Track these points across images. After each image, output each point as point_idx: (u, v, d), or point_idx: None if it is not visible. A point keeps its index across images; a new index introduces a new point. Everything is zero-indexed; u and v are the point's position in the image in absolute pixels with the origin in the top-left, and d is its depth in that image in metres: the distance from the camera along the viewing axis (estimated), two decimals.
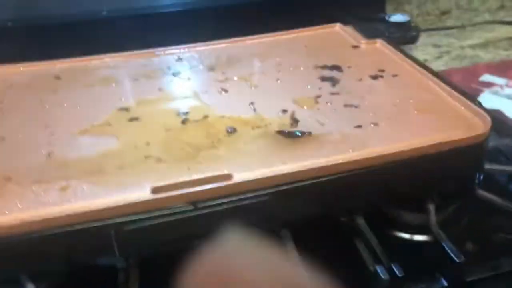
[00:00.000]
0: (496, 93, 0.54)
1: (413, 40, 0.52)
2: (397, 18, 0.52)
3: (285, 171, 0.30)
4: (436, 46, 0.71)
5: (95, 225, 0.28)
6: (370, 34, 0.51)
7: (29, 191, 0.30)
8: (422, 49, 0.69)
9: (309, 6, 0.64)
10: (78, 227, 0.28)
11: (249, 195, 0.30)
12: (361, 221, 0.35)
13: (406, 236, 0.37)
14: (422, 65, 0.45)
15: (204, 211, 0.30)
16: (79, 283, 0.32)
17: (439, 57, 0.69)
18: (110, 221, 0.28)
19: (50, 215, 0.27)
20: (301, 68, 0.46)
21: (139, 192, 0.29)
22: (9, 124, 0.38)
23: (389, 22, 0.52)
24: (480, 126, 0.34)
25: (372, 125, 0.36)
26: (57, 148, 0.35)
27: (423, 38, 0.69)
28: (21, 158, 0.33)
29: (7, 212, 0.28)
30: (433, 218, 0.35)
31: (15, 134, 0.36)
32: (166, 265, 0.33)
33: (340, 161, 0.31)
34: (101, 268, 0.31)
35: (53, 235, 0.28)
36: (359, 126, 0.36)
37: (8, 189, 0.30)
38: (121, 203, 0.28)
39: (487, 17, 0.84)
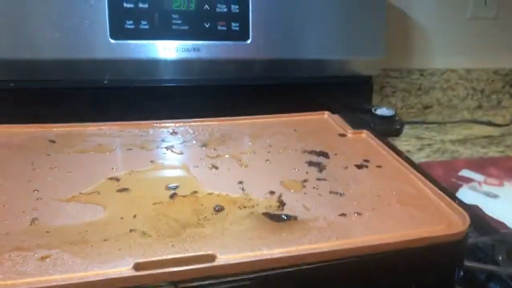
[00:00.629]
0: (474, 188, 0.56)
1: (397, 133, 0.55)
2: (383, 111, 0.56)
3: (269, 257, 0.31)
4: (419, 138, 0.75)
5: None
6: (356, 124, 0.54)
7: (8, 259, 0.29)
8: (405, 140, 0.73)
9: (301, 93, 0.68)
10: None
11: (231, 278, 0.30)
12: None
13: None
14: (406, 159, 0.47)
15: None
16: None
17: (421, 149, 0.72)
18: None
19: (27, 286, 0.27)
20: (290, 151, 0.48)
21: (121, 267, 0.29)
22: None
23: (375, 114, 0.55)
24: (459, 224, 0.36)
25: (356, 214, 0.37)
26: (41, 214, 0.34)
27: (406, 130, 0.73)
28: (5, 222, 0.33)
29: None
30: None
31: (1, 196, 0.36)
32: None
33: (325, 249, 0.32)
34: None
35: None
36: (344, 215, 0.37)
37: None
38: (102, 277, 0.28)
39: (465, 115, 0.89)
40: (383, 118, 0.56)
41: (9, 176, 0.39)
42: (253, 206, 0.37)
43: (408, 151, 0.72)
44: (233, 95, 0.66)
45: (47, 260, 0.29)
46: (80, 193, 0.38)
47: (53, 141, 0.47)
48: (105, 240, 0.32)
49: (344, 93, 0.72)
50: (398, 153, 0.48)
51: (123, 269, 0.29)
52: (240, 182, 0.41)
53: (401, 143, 0.71)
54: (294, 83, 0.69)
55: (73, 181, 0.39)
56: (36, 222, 0.33)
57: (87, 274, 0.28)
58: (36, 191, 0.37)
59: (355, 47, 0.71)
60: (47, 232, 0.32)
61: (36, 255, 0.30)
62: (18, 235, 0.32)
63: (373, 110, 0.56)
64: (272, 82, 0.68)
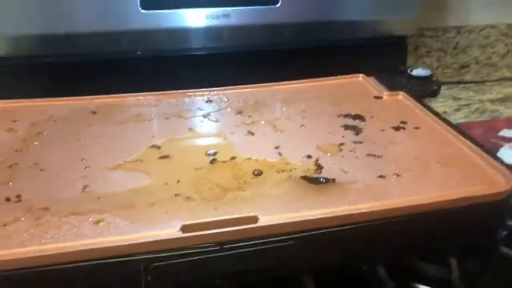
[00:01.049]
0: None
1: (434, 94, 0.54)
2: (419, 72, 0.54)
3: (310, 217, 0.31)
4: (456, 98, 0.73)
5: (126, 259, 0.29)
6: (392, 86, 0.53)
7: (65, 222, 0.31)
8: (442, 101, 0.71)
9: (333, 56, 0.67)
10: (110, 260, 0.29)
11: (273, 238, 0.31)
12: (382, 271, 0.36)
13: None
14: (444, 119, 0.46)
15: (230, 252, 0.31)
16: None
17: (458, 110, 0.70)
18: (141, 256, 0.29)
19: (85, 247, 0.29)
20: (325, 116, 0.48)
21: (169, 230, 0.31)
22: (48, 155, 0.40)
23: (411, 75, 0.54)
24: (502, 183, 0.35)
25: (394, 176, 0.37)
26: (91, 181, 0.36)
27: (442, 90, 0.71)
28: (58, 189, 0.35)
29: (44, 242, 0.29)
30: (455, 272, 0.35)
31: (53, 165, 0.38)
32: None
33: (364, 210, 0.32)
34: None
35: (86, 267, 0.29)
36: (382, 176, 0.37)
37: (46, 219, 0.32)
38: (152, 240, 0.30)
39: (505, 73, 0.86)
40: (419, 78, 0.54)
41: (57, 147, 0.41)
42: (290, 170, 0.38)
43: (445, 112, 0.70)
44: (264, 61, 0.65)
45: (101, 224, 0.31)
46: (125, 161, 0.39)
47: (94, 112, 0.49)
48: (152, 204, 0.33)
49: (377, 55, 0.70)
50: (436, 114, 0.47)
51: (171, 231, 0.31)
52: (277, 147, 0.42)
53: (438, 104, 0.69)
54: (325, 46, 0.67)
55: (117, 150, 0.41)
56: (87, 189, 0.35)
57: (139, 236, 0.30)
58: (83, 160, 0.39)
59: (388, 7, 0.68)
60: (98, 198, 0.34)
61: (90, 219, 0.32)
62: (72, 201, 0.34)
63: (408, 71, 0.55)
64: (304, 46, 0.67)
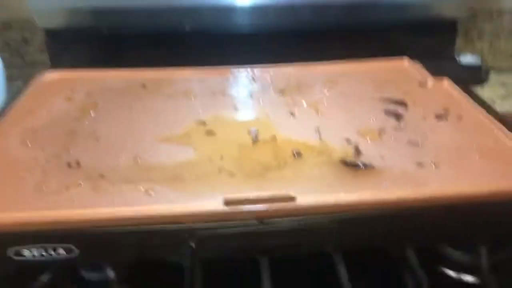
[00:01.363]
0: None
1: (481, 82, 0.53)
2: (467, 59, 0.53)
3: (347, 201, 0.33)
4: (504, 85, 0.70)
5: (173, 227, 0.32)
6: (438, 72, 0.53)
7: (119, 189, 0.34)
8: (490, 87, 0.69)
9: (379, 38, 0.66)
10: (160, 227, 0.32)
11: (310, 218, 0.33)
12: (411, 255, 0.37)
13: (454, 275, 0.38)
14: (489, 109, 0.45)
15: (268, 227, 0.33)
16: (148, 275, 0.36)
17: (506, 97, 0.68)
18: (187, 226, 0.32)
19: (138, 213, 0.32)
20: (367, 99, 0.48)
21: (212, 202, 0.33)
22: (103, 125, 0.43)
23: (458, 62, 0.53)
24: None
25: (433, 165, 0.37)
26: (142, 152, 0.39)
27: (492, 76, 0.69)
28: (112, 158, 0.38)
29: (102, 207, 0.33)
30: (484, 261, 0.36)
31: (107, 135, 0.41)
32: (228, 270, 0.36)
33: (400, 197, 0.33)
34: (170, 264, 0.35)
35: (138, 231, 0.32)
36: (420, 165, 0.37)
37: (101, 185, 0.35)
38: (197, 211, 0.32)
39: None
40: (467, 66, 0.53)
41: (111, 118, 0.44)
42: (330, 153, 0.39)
43: (492, 99, 0.68)
44: (310, 42, 0.66)
45: (151, 192, 0.34)
46: (173, 134, 0.42)
47: (144, 86, 0.51)
48: (198, 178, 0.36)
49: (426, 38, 0.68)
50: (481, 103, 0.47)
51: (215, 203, 0.33)
52: (317, 130, 0.43)
53: (485, 90, 0.67)
54: (373, 28, 0.66)
55: (166, 123, 0.44)
56: (138, 160, 0.38)
57: (185, 206, 0.32)
58: (135, 132, 0.42)
59: None
60: (148, 168, 0.37)
61: (141, 188, 0.34)
62: (125, 170, 0.37)
63: (456, 57, 0.53)
64: (350, 28, 0.66)
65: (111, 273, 0.35)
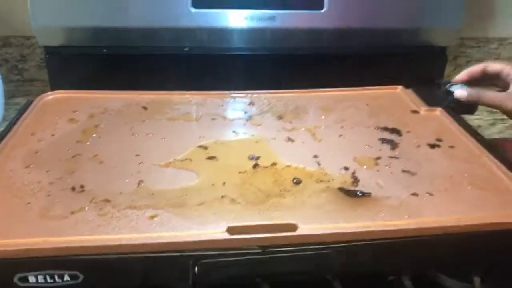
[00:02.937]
0: None
1: (471, 111, 0.55)
2: (458, 88, 0.55)
3: (347, 230, 0.34)
4: (491, 112, 0.73)
5: (177, 254, 0.33)
6: (430, 101, 0.55)
7: (124, 215, 0.35)
8: (477, 113, 0.71)
9: (372, 63, 0.68)
10: (163, 254, 0.32)
11: (311, 246, 0.34)
12: (407, 282, 0.38)
13: None
14: (480, 139, 0.47)
15: (271, 255, 0.34)
16: None
17: (493, 124, 0.71)
18: (190, 253, 0.33)
19: (142, 241, 0.32)
20: (363, 127, 0.50)
21: (216, 230, 0.34)
22: (106, 148, 0.44)
23: (450, 92, 0.55)
24: None
25: (427, 194, 0.39)
26: (145, 177, 0.40)
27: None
28: (117, 182, 0.39)
29: (106, 232, 0.33)
30: None
31: (110, 158, 0.42)
32: None
33: (398, 227, 0.35)
34: None
35: (141, 258, 0.32)
36: (416, 194, 0.39)
37: (107, 210, 0.35)
38: (201, 239, 0.33)
39: None
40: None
41: (114, 140, 0.45)
42: (328, 181, 0.40)
43: (480, 126, 0.70)
44: (304, 65, 0.68)
45: (155, 219, 0.35)
46: (175, 159, 0.43)
47: (145, 108, 0.52)
48: (201, 204, 0.37)
49: (416, 64, 0.71)
50: (472, 132, 0.48)
51: (219, 231, 0.34)
52: (315, 156, 0.44)
53: (472, 117, 0.69)
54: (365, 53, 0.69)
55: (168, 147, 0.44)
56: (142, 185, 0.39)
57: (189, 234, 0.33)
58: (137, 156, 0.43)
59: (432, 15, 0.69)
60: (152, 194, 0.38)
61: (146, 214, 0.35)
62: (130, 195, 0.37)
63: (447, 88, 0.55)
64: (344, 52, 0.68)
65: None
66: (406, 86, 0.59)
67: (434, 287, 0.39)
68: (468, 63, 0.85)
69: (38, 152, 0.42)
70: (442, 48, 0.72)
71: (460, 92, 0.54)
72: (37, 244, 0.31)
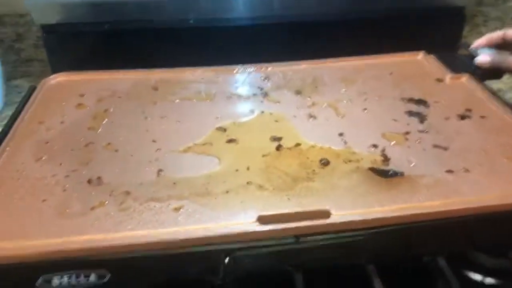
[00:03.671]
0: None
1: (499, 76, 0.52)
2: (485, 52, 0.52)
3: (383, 215, 0.32)
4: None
5: (208, 248, 0.31)
6: (454, 67, 0.52)
7: (147, 208, 0.33)
8: None
9: (388, 28, 0.64)
10: (195, 249, 0.31)
11: (345, 234, 0.32)
12: (443, 263, 0.37)
13: (486, 279, 0.38)
14: (510, 106, 0.45)
15: (304, 244, 0.32)
16: None
17: None
18: (221, 246, 0.31)
19: (169, 236, 0.30)
20: (387, 99, 0.47)
21: (246, 219, 0.32)
22: (119, 135, 0.41)
23: (474, 56, 0.52)
24: None
25: (463, 170, 0.37)
26: (165, 165, 0.38)
27: None
28: (135, 172, 0.37)
29: (130, 228, 0.31)
30: None
31: (125, 146, 0.40)
32: (262, 286, 0.36)
33: (436, 209, 0.33)
34: (202, 283, 0.34)
35: (169, 254, 0.31)
36: (451, 171, 0.37)
37: (128, 204, 0.33)
38: (233, 231, 0.31)
39: None
40: None
41: (126, 126, 0.43)
42: (358, 160, 0.38)
43: (500, 90, 0.68)
44: (317, 33, 0.64)
45: (181, 210, 0.33)
46: (194, 144, 0.40)
47: (156, 88, 0.49)
48: (227, 192, 0.35)
49: (433, 26, 0.68)
50: (502, 101, 0.46)
51: (249, 221, 0.32)
52: (341, 134, 0.42)
53: (494, 81, 0.67)
54: (380, 18, 0.65)
55: (184, 130, 0.42)
56: (162, 173, 0.37)
57: (219, 226, 0.31)
58: (154, 142, 0.40)
59: None
60: (174, 183, 0.36)
61: (170, 206, 0.33)
62: (150, 186, 0.35)
63: (472, 52, 0.52)
64: (357, 18, 0.65)
65: None
66: (428, 51, 0.56)
67: (469, 264, 0.38)
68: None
69: (48, 142, 0.40)
70: (459, 8, 0.68)
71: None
72: (60, 245, 0.30)
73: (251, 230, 0.31)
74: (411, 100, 0.47)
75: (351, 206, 0.33)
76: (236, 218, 0.32)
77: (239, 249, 0.31)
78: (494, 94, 0.47)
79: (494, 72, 0.52)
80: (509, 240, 0.36)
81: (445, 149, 0.40)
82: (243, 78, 0.52)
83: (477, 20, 0.80)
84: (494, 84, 0.67)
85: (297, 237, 0.32)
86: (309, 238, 0.32)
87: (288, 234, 0.32)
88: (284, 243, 0.32)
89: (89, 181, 0.36)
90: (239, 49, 0.63)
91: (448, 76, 0.50)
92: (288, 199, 0.34)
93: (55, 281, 0.30)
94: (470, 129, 0.42)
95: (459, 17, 0.69)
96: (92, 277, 0.30)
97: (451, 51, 0.57)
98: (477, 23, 0.80)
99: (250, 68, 0.53)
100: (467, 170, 0.37)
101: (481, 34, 0.82)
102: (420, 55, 0.55)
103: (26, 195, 0.34)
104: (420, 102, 0.46)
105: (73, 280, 0.30)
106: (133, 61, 0.57)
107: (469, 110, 0.45)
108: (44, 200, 0.33)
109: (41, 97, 0.46)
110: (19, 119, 0.42)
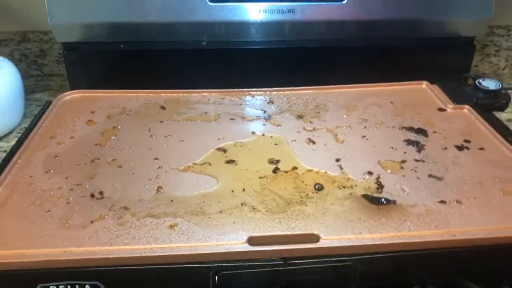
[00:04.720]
0: None
1: (502, 108, 0.52)
2: (488, 83, 0.52)
3: (371, 242, 0.33)
4: None
5: (198, 266, 0.32)
6: (457, 97, 0.52)
7: (143, 224, 0.35)
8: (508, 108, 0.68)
9: (396, 56, 0.65)
10: (183, 265, 0.32)
11: (334, 258, 0.33)
12: None
13: None
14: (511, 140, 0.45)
15: (292, 266, 0.33)
16: None
17: None
18: (211, 264, 0.32)
19: (162, 252, 0.32)
20: (387, 127, 0.48)
21: (236, 240, 0.33)
22: (125, 151, 0.43)
23: (479, 87, 0.52)
24: None
25: (455, 202, 0.37)
26: (164, 183, 0.39)
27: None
28: (135, 189, 0.38)
29: (126, 242, 0.33)
30: None
31: (129, 163, 0.42)
32: None
33: (424, 239, 0.33)
34: None
35: (160, 269, 0.32)
36: (443, 202, 0.37)
37: (126, 219, 0.35)
38: (222, 251, 0.32)
39: None
40: (487, 91, 0.52)
41: (132, 143, 0.45)
42: (352, 187, 0.39)
43: (509, 121, 0.67)
44: (325, 59, 0.65)
45: (175, 228, 0.34)
46: (194, 163, 0.42)
47: (163, 108, 0.51)
48: (221, 212, 0.36)
49: (441, 56, 0.68)
50: (504, 132, 0.46)
51: (239, 242, 0.33)
52: (338, 160, 0.43)
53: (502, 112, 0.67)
54: (388, 46, 0.66)
55: (186, 150, 0.44)
56: (161, 191, 0.38)
57: (209, 245, 0.33)
58: (156, 160, 0.42)
59: (460, 7, 0.65)
60: (171, 201, 0.37)
61: (165, 223, 0.35)
62: (148, 202, 0.37)
63: (476, 83, 0.53)
64: (366, 45, 0.66)
65: None
66: (431, 81, 0.57)
67: None
68: (497, 52, 0.81)
69: (57, 156, 0.42)
70: (469, 39, 0.69)
71: None
72: (58, 255, 0.31)
73: (240, 250, 0.32)
74: (410, 128, 0.47)
75: (341, 231, 0.34)
76: (227, 238, 0.33)
77: (228, 268, 0.32)
78: (496, 126, 0.47)
79: (498, 103, 0.52)
80: (499, 272, 0.36)
81: (440, 179, 0.40)
82: (248, 100, 0.53)
83: (488, 50, 0.81)
84: (504, 114, 0.67)
85: (285, 259, 0.33)
86: (297, 261, 0.33)
87: (276, 256, 0.33)
88: (272, 264, 0.33)
89: (92, 195, 0.37)
90: (249, 71, 0.65)
91: (450, 106, 0.51)
92: (280, 221, 0.35)
93: None
94: (467, 161, 0.43)
95: (468, 47, 0.70)
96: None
97: (459, 81, 0.58)
98: (488, 53, 0.81)
99: (256, 92, 0.55)
100: (459, 202, 0.37)
101: (492, 64, 0.83)
102: (424, 84, 0.56)
103: (32, 206, 0.36)
104: (420, 131, 0.47)
105: None
106: (146, 80, 0.60)
107: (467, 141, 0.45)
108: (48, 211, 0.35)
109: (55, 112, 0.49)
110: (32, 133, 0.45)
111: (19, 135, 0.58)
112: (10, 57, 0.69)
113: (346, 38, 0.66)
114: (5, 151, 0.55)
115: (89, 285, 0.32)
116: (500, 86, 0.53)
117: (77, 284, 0.32)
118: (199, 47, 0.64)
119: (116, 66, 0.65)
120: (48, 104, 0.50)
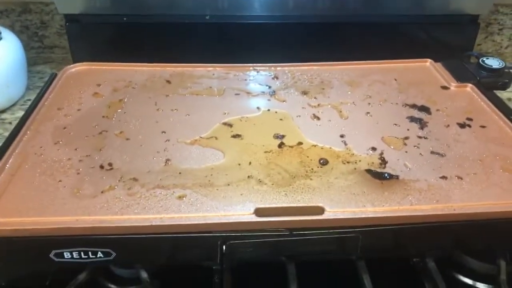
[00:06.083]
0: None
1: (504, 87, 0.53)
2: (492, 62, 0.53)
3: (374, 215, 0.34)
4: None
5: (206, 235, 0.33)
6: (460, 76, 0.53)
7: (153, 195, 0.35)
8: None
9: (399, 32, 0.65)
10: (194, 235, 0.33)
11: (337, 230, 0.34)
12: (431, 264, 0.38)
13: (472, 282, 0.39)
14: None
15: (297, 237, 0.34)
16: (179, 278, 0.38)
17: None
18: (219, 234, 0.33)
19: (172, 222, 0.33)
20: (391, 104, 0.48)
21: (244, 211, 0.34)
22: (132, 124, 0.44)
23: (482, 66, 0.52)
24: None
25: (456, 178, 0.38)
26: (172, 155, 0.40)
27: None
28: (144, 161, 0.39)
29: (136, 212, 0.34)
30: (503, 273, 0.37)
31: (136, 135, 0.42)
32: (257, 274, 0.38)
33: (425, 213, 0.34)
34: (200, 268, 0.36)
35: (171, 238, 0.33)
36: (444, 177, 0.38)
37: (136, 189, 0.36)
38: (230, 221, 0.33)
39: None
40: (491, 70, 0.53)
41: (139, 116, 0.45)
42: (356, 162, 0.40)
43: (510, 100, 0.68)
44: (329, 34, 0.65)
45: (184, 199, 0.35)
46: (201, 137, 0.42)
47: (169, 82, 0.51)
48: (228, 184, 0.37)
49: (445, 34, 0.68)
50: (505, 112, 0.47)
51: (246, 213, 0.34)
52: (342, 136, 0.43)
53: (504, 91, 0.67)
54: (393, 22, 0.66)
55: (192, 124, 0.44)
56: (169, 163, 0.39)
57: (218, 215, 0.34)
58: (163, 133, 0.43)
59: None
60: (180, 173, 0.38)
61: (174, 194, 0.36)
62: (157, 174, 0.38)
63: (480, 61, 0.53)
64: (371, 21, 0.66)
65: (143, 272, 0.36)
66: (435, 59, 0.57)
67: (458, 267, 0.40)
68: (500, 31, 0.81)
69: (65, 128, 0.43)
70: (473, 16, 0.69)
71: None
72: (71, 223, 0.32)
73: (247, 221, 0.33)
74: (414, 106, 0.48)
75: (344, 204, 0.35)
76: (235, 209, 0.34)
77: (235, 237, 0.33)
78: (498, 104, 0.48)
79: (501, 82, 0.53)
80: (496, 247, 0.37)
81: (442, 155, 0.41)
82: (252, 76, 0.54)
83: (492, 28, 0.80)
84: (505, 94, 0.68)
85: (290, 230, 0.34)
86: (302, 232, 0.34)
87: (282, 227, 0.34)
88: (278, 235, 0.34)
89: (101, 166, 0.38)
90: (252, 46, 0.65)
91: (453, 84, 0.52)
92: (285, 194, 0.36)
93: (67, 254, 0.32)
94: (469, 138, 0.43)
95: (472, 25, 0.69)
96: (99, 254, 0.33)
97: (462, 59, 0.58)
98: (491, 31, 0.80)
99: (261, 67, 0.55)
100: (460, 178, 0.38)
101: (495, 43, 0.83)
102: (428, 62, 0.57)
103: (43, 175, 0.37)
104: (423, 108, 0.48)
105: (82, 256, 0.33)
106: (149, 53, 0.60)
107: (470, 119, 0.46)
108: (59, 181, 0.36)
109: (61, 84, 0.49)
110: (40, 105, 0.45)
111: (23, 107, 0.59)
112: (11, 28, 0.68)
113: (351, 13, 0.65)
114: (10, 122, 0.55)
115: (101, 251, 0.33)
116: (504, 64, 0.53)
117: (90, 251, 0.33)
118: (202, 21, 0.64)
119: (119, 39, 0.65)
120: (54, 76, 0.50)
